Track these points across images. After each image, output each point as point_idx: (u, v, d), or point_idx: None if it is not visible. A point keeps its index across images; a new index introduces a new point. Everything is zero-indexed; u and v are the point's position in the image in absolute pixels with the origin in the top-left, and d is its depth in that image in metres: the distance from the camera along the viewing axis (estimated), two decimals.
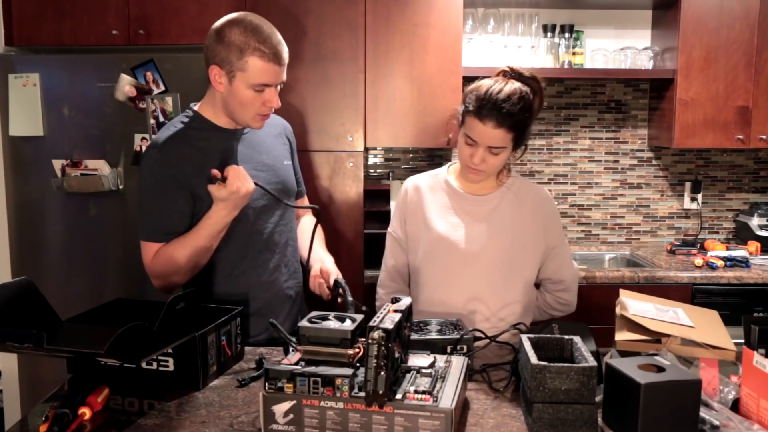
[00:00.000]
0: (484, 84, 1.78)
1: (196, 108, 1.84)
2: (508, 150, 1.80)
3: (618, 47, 3.26)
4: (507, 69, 1.80)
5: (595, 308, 2.71)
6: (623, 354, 1.46)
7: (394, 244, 2.00)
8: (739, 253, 3.00)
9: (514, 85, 1.75)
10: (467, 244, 1.86)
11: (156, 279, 1.78)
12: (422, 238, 1.91)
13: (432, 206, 1.92)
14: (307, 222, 2.08)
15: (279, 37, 1.72)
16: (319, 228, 1.93)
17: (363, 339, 1.24)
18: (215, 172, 1.65)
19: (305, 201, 2.11)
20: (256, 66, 1.67)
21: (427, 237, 1.90)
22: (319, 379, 1.23)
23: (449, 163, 2.00)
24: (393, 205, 2.02)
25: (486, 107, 1.72)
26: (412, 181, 1.99)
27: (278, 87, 1.75)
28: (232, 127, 1.82)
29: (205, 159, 1.76)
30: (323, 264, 1.86)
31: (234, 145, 1.82)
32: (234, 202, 1.68)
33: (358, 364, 1.27)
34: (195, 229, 1.73)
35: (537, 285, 1.99)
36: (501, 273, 1.87)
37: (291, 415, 1.25)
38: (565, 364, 1.24)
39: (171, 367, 1.49)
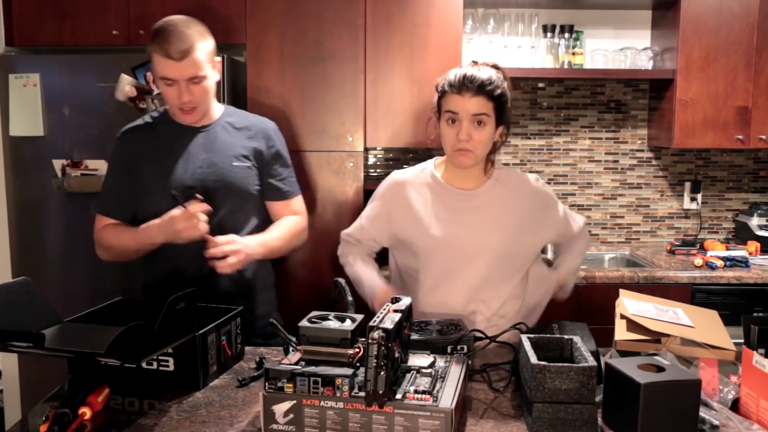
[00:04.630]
0: (454, 68, 1.84)
1: (167, 107, 2.03)
2: (491, 124, 1.79)
3: (618, 47, 3.26)
4: (472, 63, 1.88)
5: (595, 308, 2.72)
6: (623, 354, 1.46)
7: (361, 232, 1.98)
8: (738, 253, 3.00)
9: (483, 66, 1.84)
10: (462, 242, 1.84)
11: (98, 248, 2.03)
12: (414, 239, 1.87)
13: (420, 205, 1.88)
14: (285, 221, 2.08)
15: (184, 35, 1.84)
16: (287, 222, 2.06)
17: (363, 339, 1.25)
18: (198, 197, 1.83)
19: (290, 204, 2.09)
20: (156, 61, 1.87)
21: (421, 240, 1.86)
22: (319, 379, 1.24)
23: (434, 159, 1.97)
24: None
25: (461, 80, 1.78)
26: (400, 177, 1.95)
27: (188, 84, 1.87)
28: (193, 124, 1.98)
29: (155, 149, 1.97)
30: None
31: (186, 142, 1.97)
32: (169, 236, 1.82)
33: (358, 364, 1.27)
34: (132, 231, 1.93)
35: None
36: (498, 267, 1.85)
37: (291, 415, 1.25)
38: (565, 364, 1.25)
39: (171, 367, 1.49)
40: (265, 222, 2.07)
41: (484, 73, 1.79)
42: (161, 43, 1.83)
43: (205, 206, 1.81)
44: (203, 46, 1.88)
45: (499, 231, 1.85)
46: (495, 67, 1.85)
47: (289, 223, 2.06)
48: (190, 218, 1.78)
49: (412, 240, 1.88)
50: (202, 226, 1.79)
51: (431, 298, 1.88)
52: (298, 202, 2.12)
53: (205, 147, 1.97)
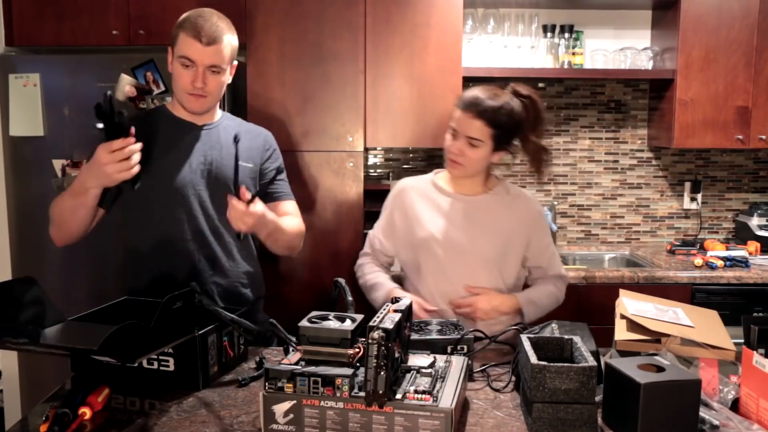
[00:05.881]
0: (477, 87, 1.91)
1: (166, 103, 2.02)
2: (486, 147, 1.88)
3: (618, 47, 3.26)
4: (501, 86, 1.92)
5: (595, 308, 2.72)
6: (623, 354, 1.46)
7: (373, 242, 2.08)
8: (738, 253, 3.00)
9: (503, 93, 1.88)
10: (455, 238, 1.92)
11: (50, 226, 1.88)
12: (412, 233, 1.97)
13: (419, 206, 1.99)
14: (289, 218, 2.05)
15: (216, 25, 1.85)
16: (289, 221, 2.01)
17: (363, 339, 1.25)
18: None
19: (280, 205, 2.04)
20: (181, 39, 1.85)
21: (419, 233, 1.95)
22: (319, 379, 1.24)
23: (437, 170, 2.09)
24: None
25: (470, 100, 1.86)
26: (402, 183, 2.08)
27: (207, 71, 1.84)
28: (195, 120, 1.95)
29: (155, 141, 1.89)
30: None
31: (188, 137, 1.94)
32: (101, 179, 1.72)
33: (358, 364, 1.27)
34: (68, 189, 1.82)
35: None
36: (485, 272, 1.94)
37: (291, 415, 1.25)
38: (565, 364, 1.25)
39: (171, 367, 1.49)
40: None
41: (494, 99, 1.84)
42: (192, 26, 1.83)
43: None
44: (231, 43, 1.88)
45: (489, 237, 1.93)
46: (523, 97, 1.89)
47: (292, 220, 2.04)
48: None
49: (410, 234, 1.98)
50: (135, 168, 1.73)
51: (432, 290, 1.95)
52: (290, 204, 2.09)
53: (209, 144, 1.95)
